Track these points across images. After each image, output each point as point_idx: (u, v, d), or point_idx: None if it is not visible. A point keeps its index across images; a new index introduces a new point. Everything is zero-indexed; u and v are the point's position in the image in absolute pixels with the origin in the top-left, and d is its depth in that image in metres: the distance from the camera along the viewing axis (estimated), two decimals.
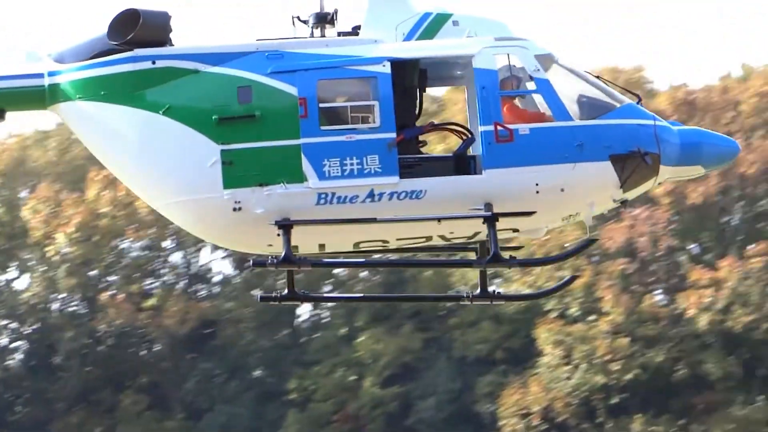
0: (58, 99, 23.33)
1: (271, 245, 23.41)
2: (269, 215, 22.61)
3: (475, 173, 23.10)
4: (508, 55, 23.22)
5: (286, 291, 24.76)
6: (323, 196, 22.58)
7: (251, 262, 24.34)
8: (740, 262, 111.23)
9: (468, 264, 26.68)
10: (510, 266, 25.39)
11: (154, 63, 22.91)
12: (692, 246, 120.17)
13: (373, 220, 22.73)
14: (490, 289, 25.35)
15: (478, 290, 24.71)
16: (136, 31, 22.36)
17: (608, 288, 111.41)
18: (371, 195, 22.64)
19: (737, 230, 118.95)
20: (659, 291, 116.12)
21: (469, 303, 26.14)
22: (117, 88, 22.99)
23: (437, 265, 28.35)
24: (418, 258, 26.74)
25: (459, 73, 24.82)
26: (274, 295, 25.84)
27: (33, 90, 23.29)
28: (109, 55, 22.86)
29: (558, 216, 24.24)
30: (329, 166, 22.53)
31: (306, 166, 22.50)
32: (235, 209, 22.71)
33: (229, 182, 22.65)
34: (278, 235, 22.82)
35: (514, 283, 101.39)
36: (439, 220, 22.82)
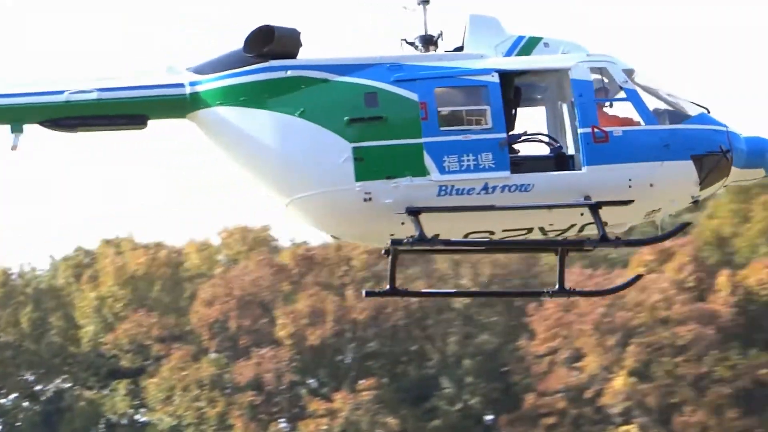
0: (198, 106, 24.90)
1: (393, 234, 24.96)
2: (397, 205, 24.25)
3: (575, 170, 25.04)
4: (600, 68, 25.47)
5: (388, 287, 26.63)
6: (444, 188, 24.35)
7: (390, 242, 25.06)
8: (352, 395, 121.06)
9: (580, 243, 26.52)
10: (616, 246, 27.37)
11: (287, 72, 24.64)
12: (311, 380, 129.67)
13: (492, 207, 24.35)
14: (567, 286, 26.73)
15: (557, 287, 26.45)
16: (271, 45, 24.34)
17: (239, 417, 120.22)
18: (486, 188, 24.43)
19: (349, 367, 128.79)
20: (283, 420, 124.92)
21: (549, 298, 30.77)
22: (255, 95, 24.75)
23: (551, 244, 25.80)
24: (533, 239, 26.62)
25: (540, 96, 26.98)
26: (377, 290, 29.79)
27: (175, 98, 24.94)
28: (245, 66, 24.72)
29: (643, 211, 25.93)
30: (448, 162, 24.38)
31: (428, 162, 24.31)
32: (365, 200, 24.33)
33: (361, 175, 24.25)
34: (402, 224, 24.49)
35: None
36: (549, 207, 24.62)
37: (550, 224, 25.52)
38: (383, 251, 27.10)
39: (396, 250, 25.57)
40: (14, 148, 24.97)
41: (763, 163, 26.72)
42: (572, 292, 28.20)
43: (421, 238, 24.30)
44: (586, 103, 25.10)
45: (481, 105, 24.78)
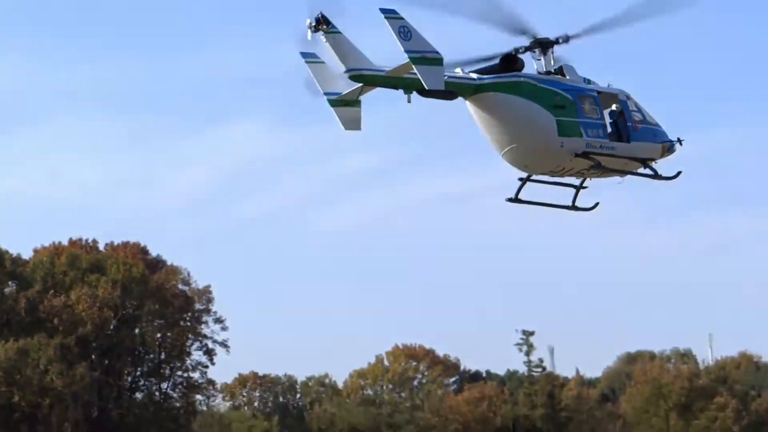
0: (482, 90, 39.90)
1: (563, 168, 42.47)
2: (570, 151, 40.77)
3: (629, 142, 42.66)
4: (626, 95, 44.36)
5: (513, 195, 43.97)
6: (588, 144, 41.03)
7: (526, 175, 43.68)
8: None
9: (653, 175, 44.36)
10: (660, 179, 44.07)
11: (524, 79, 40.82)
12: None
13: (611, 155, 42.13)
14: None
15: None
16: (516, 65, 40.68)
17: None
18: (601, 146, 41.65)
19: None
20: None
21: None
22: (511, 87, 40.62)
23: (627, 173, 44.55)
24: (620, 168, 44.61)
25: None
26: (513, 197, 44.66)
27: (472, 84, 39.71)
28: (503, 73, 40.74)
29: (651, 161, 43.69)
30: (588, 132, 41.28)
31: (581, 130, 41.17)
32: (561, 146, 40.53)
33: (559, 134, 40.57)
34: (570, 161, 41.44)
35: None
36: (628, 158, 43.08)
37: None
38: (520, 178, 43.52)
39: (528, 178, 43.23)
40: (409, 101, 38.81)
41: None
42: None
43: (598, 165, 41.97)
44: (627, 112, 43.23)
45: (595, 106, 42.10)
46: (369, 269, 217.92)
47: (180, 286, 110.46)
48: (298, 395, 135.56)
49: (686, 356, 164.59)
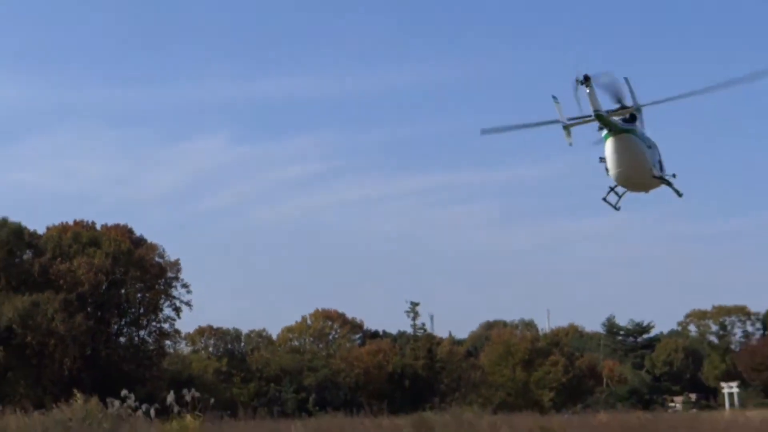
0: (622, 132, 35.87)
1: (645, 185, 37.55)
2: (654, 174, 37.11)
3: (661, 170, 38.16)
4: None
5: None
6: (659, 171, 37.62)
7: None
8: None
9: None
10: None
11: (638, 127, 36.42)
12: None
13: None
14: None
15: None
16: (633, 121, 35.97)
17: None
18: None
19: None
20: None
21: None
22: (632, 131, 35.88)
23: None
24: None
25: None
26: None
27: (624, 127, 36.18)
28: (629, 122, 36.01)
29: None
30: (656, 164, 37.65)
31: (656, 162, 37.43)
32: (652, 173, 36.85)
33: (652, 165, 36.82)
34: (651, 181, 37.44)
35: None
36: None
37: None
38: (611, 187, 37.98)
39: (613, 188, 37.86)
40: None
41: None
42: None
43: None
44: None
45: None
46: (299, 251, 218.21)
47: (156, 259, 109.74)
48: (242, 344, 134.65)
49: (530, 325, 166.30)
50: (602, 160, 36.64)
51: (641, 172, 36.90)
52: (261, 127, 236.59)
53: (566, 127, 35.99)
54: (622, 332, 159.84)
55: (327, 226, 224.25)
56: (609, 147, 35.99)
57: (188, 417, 37.28)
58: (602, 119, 34.92)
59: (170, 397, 38.39)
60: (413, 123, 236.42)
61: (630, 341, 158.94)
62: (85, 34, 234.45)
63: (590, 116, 34.75)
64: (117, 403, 43.07)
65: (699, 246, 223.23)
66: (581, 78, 33.27)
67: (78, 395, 47.99)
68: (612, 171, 36.46)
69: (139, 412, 41.73)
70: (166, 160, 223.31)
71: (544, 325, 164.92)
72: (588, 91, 33.64)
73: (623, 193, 37.66)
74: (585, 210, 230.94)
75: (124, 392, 43.08)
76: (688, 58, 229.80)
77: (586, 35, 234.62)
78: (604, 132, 35.91)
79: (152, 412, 40.44)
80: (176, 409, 37.98)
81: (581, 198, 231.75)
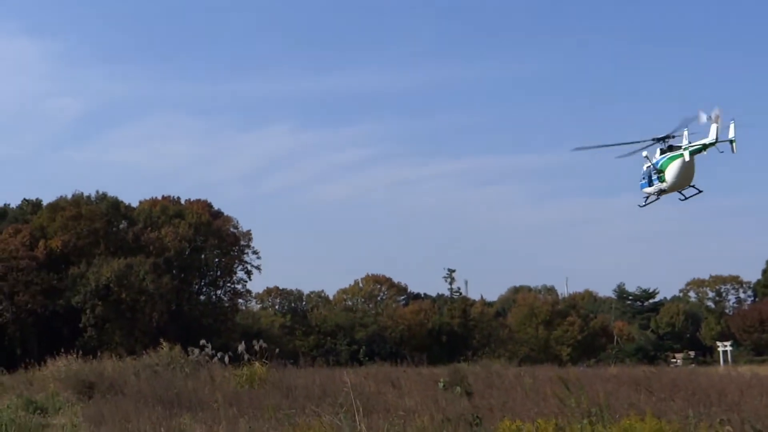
0: (695, 153, 34.61)
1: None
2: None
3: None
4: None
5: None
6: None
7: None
8: None
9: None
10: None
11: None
12: None
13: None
14: None
15: None
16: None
17: None
18: None
19: None
20: None
21: None
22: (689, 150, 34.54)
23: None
24: None
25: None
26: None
27: (697, 149, 34.57)
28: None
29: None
30: None
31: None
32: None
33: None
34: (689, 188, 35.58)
35: None
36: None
37: None
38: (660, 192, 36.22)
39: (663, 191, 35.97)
40: None
41: None
42: None
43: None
44: None
45: None
46: (353, 224, 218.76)
47: (231, 229, 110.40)
48: (304, 302, 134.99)
49: (551, 290, 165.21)
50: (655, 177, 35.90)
51: (690, 180, 35.75)
52: (322, 116, 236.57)
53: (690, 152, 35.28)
54: (630, 297, 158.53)
55: (377, 202, 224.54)
56: (686, 163, 34.96)
57: (257, 364, 37.48)
58: (708, 145, 34.24)
59: (242, 347, 38.57)
60: (450, 113, 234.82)
61: (637, 305, 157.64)
62: (175, 33, 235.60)
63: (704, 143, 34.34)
64: (197, 351, 43.47)
65: (698, 222, 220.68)
66: (712, 116, 33.55)
67: (164, 344, 48.45)
68: (679, 180, 35.46)
69: (215, 359, 42.09)
70: (241, 145, 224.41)
71: (563, 291, 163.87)
72: (716, 125, 33.48)
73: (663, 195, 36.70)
74: (601, 190, 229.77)
75: (202, 342, 43.43)
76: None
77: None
78: (685, 151, 34.82)
79: (226, 359, 40.74)
80: (247, 357, 38.18)
81: (600, 180, 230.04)
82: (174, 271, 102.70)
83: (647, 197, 36.72)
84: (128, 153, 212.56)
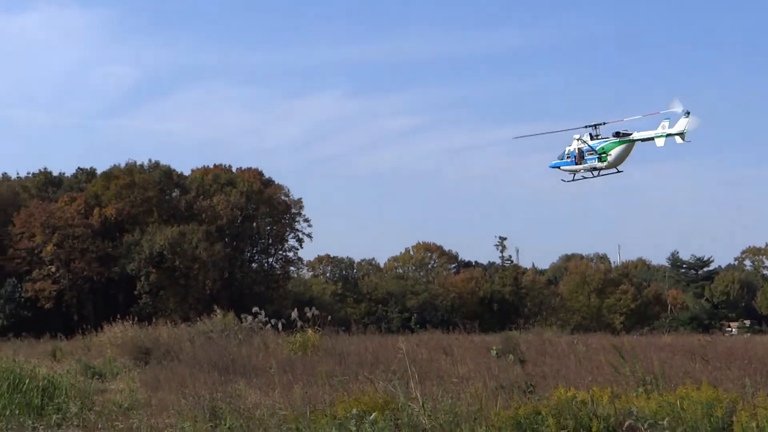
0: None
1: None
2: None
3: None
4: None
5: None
6: None
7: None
8: None
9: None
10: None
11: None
12: None
13: None
14: None
15: None
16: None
17: None
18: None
19: None
20: None
21: None
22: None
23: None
24: None
25: None
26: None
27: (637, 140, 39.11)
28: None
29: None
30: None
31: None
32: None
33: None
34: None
35: None
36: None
37: None
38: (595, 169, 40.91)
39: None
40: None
41: None
42: None
43: None
44: None
45: None
46: (403, 192, 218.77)
47: (282, 197, 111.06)
48: (355, 270, 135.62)
49: (603, 258, 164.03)
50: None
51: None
52: (371, 83, 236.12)
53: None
54: (684, 266, 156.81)
55: (427, 170, 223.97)
56: (629, 147, 39.32)
57: (309, 331, 37.80)
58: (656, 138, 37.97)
59: (294, 314, 38.89)
60: (500, 79, 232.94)
61: (692, 273, 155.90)
62: (225, 1, 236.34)
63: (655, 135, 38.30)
64: (249, 318, 43.86)
65: (753, 189, 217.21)
66: (686, 111, 36.80)
67: (217, 311, 49.05)
68: (617, 162, 39.74)
69: (268, 326, 42.50)
70: (290, 113, 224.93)
71: (616, 259, 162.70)
72: (687, 119, 36.84)
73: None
74: (651, 157, 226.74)
75: (255, 309, 43.83)
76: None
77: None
78: (635, 138, 39.20)
79: (279, 326, 41.10)
80: (299, 324, 38.51)
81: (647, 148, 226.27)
82: (226, 239, 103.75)
83: (574, 174, 40.83)
84: (180, 121, 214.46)
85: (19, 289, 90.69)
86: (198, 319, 50.48)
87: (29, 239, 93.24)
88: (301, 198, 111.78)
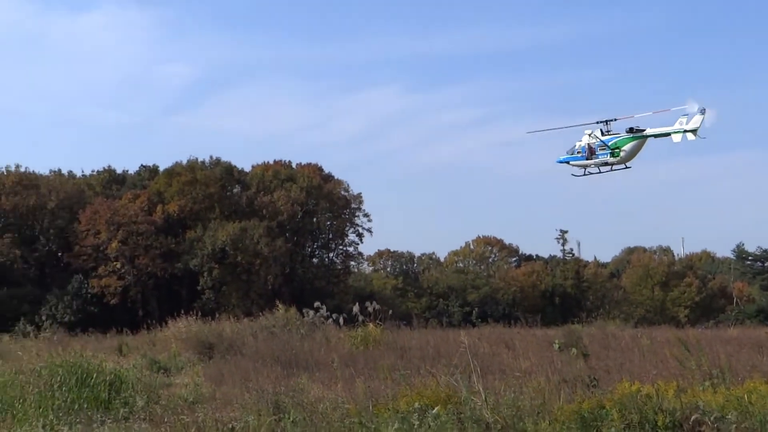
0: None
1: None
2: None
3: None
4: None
5: None
6: None
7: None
8: None
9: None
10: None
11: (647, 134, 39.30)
12: None
13: None
14: None
15: None
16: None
17: None
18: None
19: None
20: None
21: None
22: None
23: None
24: None
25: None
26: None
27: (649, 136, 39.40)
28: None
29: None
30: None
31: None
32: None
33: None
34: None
35: None
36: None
37: None
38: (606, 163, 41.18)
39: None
40: None
41: None
42: None
43: None
44: None
45: None
46: (463, 186, 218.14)
47: (342, 192, 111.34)
48: (415, 265, 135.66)
49: (666, 251, 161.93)
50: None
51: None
52: (430, 77, 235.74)
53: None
54: (750, 258, 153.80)
55: (486, 164, 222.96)
56: (641, 143, 39.68)
57: (371, 325, 37.93)
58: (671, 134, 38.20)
59: (355, 308, 39.08)
60: (556, 73, 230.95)
61: (758, 266, 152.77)
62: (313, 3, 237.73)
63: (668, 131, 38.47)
64: (311, 312, 44.16)
65: None
66: (701, 109, 37.10)
67: (279, 306, 49.36)
68: (629, 157, 39.98)
69: (330, 321, 42.74)
70: (349, 109, 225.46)
71: (679, 251, 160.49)
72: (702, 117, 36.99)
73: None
74: (716, 147, 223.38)
75: (317, 304, 44.11)
76: None
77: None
78: (648, 134, 39.41)
79: (340, 320, 41.32)
80: (360, 318, 38.67)
81: (716, 135, 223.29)
82: (287, 235, 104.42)
83: (585, 168, 41.14)
84: (239, 118, 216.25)
85: (86, 286, 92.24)
86: (260, 313, 50.87)
87: (95, 236, 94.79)
88: (360, 193, 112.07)
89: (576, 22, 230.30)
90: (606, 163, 40.49)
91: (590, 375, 18.63)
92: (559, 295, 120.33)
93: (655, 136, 39.30)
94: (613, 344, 33.07)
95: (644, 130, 39.58)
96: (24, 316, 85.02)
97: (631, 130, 39.93)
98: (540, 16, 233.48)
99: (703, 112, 37.54)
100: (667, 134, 38.49)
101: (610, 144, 40.02)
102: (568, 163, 41.82)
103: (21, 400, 22.51)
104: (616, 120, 40.29)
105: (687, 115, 37.84)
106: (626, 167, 40.71)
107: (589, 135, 40.80)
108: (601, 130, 40.46)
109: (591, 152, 40.72)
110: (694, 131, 37.05)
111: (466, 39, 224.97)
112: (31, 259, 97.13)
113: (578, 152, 41.35)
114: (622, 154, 39.75)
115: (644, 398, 15.18)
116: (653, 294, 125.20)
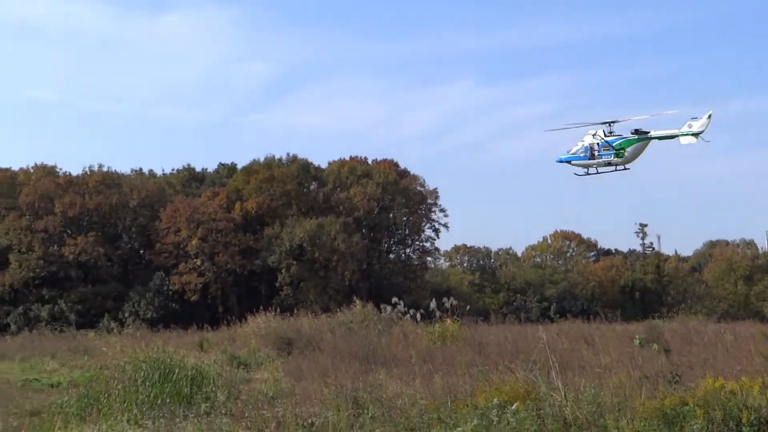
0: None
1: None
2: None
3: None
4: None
5: None
6: None
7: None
8: None
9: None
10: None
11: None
12: None
13: None
14: None
15: None
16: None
17: None
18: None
19: None
20: None
21: None
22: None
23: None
24: None
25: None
26: None
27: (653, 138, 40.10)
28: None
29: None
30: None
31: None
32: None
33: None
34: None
35: None
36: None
37: None
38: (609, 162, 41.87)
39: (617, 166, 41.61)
40: None
41: None
42: None
43: None
44: None
45: None
46: (541, 181, 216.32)
47: (418, 188, 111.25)
48: (492, 260, 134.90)
49: (750, 244, 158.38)
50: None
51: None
52: (502, 71, 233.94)
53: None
54: None
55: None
56: (644, 145, 40.64)
57: (448, 321, 37.91)
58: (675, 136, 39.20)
59: (433, 304, 39.13)
60: (633, 66, 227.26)
61: None
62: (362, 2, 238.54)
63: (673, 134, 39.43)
64: (389, 308, 44.31)
65: None
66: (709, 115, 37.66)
67: (357, 301, 49.65)
68: (632, 158, 40.87)
69: (407, 316, 42.82)
70: (423, 104, 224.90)
71: (763, 245, 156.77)
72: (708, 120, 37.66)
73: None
74: None
75: (394, 299, 44.27)
76: None
77: None
78: (653, 135, 40.31)
79: (418, 316, 41.37)
80: (438, 314, 38.67)
81: None
82: (363, 231, 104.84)
83: (587, 168, 41.72)
84: (315, 115, 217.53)
85: (167, 283, 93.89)
86: (338, 309, 51.23)
87: (175, 234, 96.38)
88: (436, 188, 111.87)
89: (658, 11, 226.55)
90: (609, 164, 41.43)
91: (672, 371, 18.32)
92: (639, 290, 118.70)
93: (660, 138, 40.12)
94: (696, 340, 32.51)
95: (648, 132, 40.42)
96: (108, 313, 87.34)
97: (636, 132, 40.74)
98: (612, 7, 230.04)
99: (709, 117, 38.24)
100: (672, 136, 39.36)
101: (615, 145, 40.96)
102: (569, 162, 42.82)
103: (106, 395, 23.06)
104: (617, 122, 41.31)
105: (696, 117, 38.57)
106: (625, 168, 41.65)
107: (593, 135, 41.63)
108: (603, 131, 41.31)
109: (593, 153, 41.67)
110: (696, 135, 37.98)
111: (538, 32, 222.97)
112: (114, 257, 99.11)
113: (581, 152, 42.20)
114: (626, 155, 40.89)
115: (728, 395, 14.89)
116: (736, 288, 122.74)
